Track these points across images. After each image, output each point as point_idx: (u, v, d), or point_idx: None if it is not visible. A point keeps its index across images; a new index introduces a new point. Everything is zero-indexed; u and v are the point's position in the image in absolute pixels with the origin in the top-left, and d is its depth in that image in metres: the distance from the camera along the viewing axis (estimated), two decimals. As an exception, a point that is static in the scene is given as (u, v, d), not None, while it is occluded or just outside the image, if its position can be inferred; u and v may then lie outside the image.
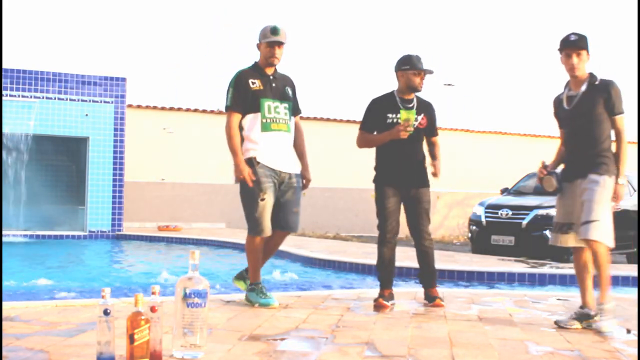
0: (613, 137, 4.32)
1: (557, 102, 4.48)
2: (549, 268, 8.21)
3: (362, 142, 5.19)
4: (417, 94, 5.11)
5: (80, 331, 3.69)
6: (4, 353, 3.13)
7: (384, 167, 5.08)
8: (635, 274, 7.65)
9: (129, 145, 14.51)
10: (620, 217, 11.36)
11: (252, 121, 4.73)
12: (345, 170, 17.52)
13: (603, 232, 4.14)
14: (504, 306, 5.09)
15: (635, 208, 11.66)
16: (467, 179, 19.16)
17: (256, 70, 4.85)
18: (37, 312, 4.25)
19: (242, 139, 4.77)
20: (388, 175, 5.05)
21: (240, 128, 4.77)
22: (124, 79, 14.19)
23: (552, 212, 10.30)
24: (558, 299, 5.57)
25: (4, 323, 3.82)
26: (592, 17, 35.57)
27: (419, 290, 5.68)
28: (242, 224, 18.50)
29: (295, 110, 4.98)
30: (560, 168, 4.52)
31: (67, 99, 13.64)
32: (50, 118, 13.53)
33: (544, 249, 9.71)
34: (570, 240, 4.36)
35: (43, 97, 13.47)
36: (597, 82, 4.26)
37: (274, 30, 4.74)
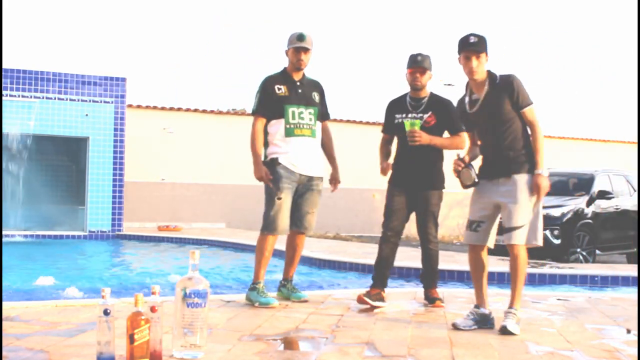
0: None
1: (461, 105, 4.38)
2: (549, 268, 8.21)
3: (379, 149, 5.25)
4: (433, 91, 5.11)
5: (80, 331, 3.69)
6: (4, 353, 3.13)
7: (396, 168, 5.10)
8: (635, 274, 7.65)
9: (129, 145, 14.50)
10: (620, 217, 11.46)
11: (276, 126, 4.90)
12: (346, 171, 17.45)
13: (529, 235, 4.10)
14: (504, 306, 5.08)
15: (635, 208, 11.66)
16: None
17: (284, 75, 5.00)
18: (37, 312, 4.26)
19: (268, 143, 4.96)
20: (398, 177, 5.08)
21: (266, 132, 4.94)
22: (124, 79, 14.19)
23: (552, 212, 10.35)
24: (558, 299, 5.57)
25: (4, 323, 3.82)
26: (591, 17, 35.59)
27: (419, 290, 5.68)
28: (242, 224, 18.54)
29: (323, 115, 5.09)
30: (475, 164, 4.38)
31: (67, 99, 13.64)
32: (50, 118, 13.53)
33: (544, 249, 9.68)
34: (481, 238, 4.36)
35: (43, 97, 13.47)
36: (497, 81, 4.13)
37: (300, 37, 4.90)
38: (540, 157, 4.08)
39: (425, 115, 4.98)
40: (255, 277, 4.88)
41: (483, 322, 4.19)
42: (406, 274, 7.63)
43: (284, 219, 4.88)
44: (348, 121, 18.03)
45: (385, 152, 5.21)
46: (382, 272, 5.05)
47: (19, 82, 13.33)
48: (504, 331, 3.94)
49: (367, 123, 18.24)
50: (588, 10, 35.92)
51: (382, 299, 4.89)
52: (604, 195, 11.13)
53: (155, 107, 16.60)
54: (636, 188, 12.23)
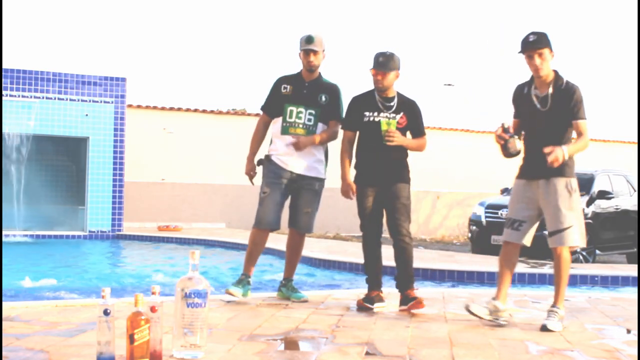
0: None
1: (521, 91, 4.45)
2: (549, 268, 8.20)
3: (341, 154, 5.04)
4: (399, 91, 4.95)
5: (80, 331, 3.69)
6: (4, 353, 3.12)
7: (364, 166, 4.95)
8: (635, 274, 7.65)
9: (129, 145, 14.50)
10: (620, 217, 11.46)
11: (276, 124, 5.08)
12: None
13: (576, 237, 4.23)
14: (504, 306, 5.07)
15: (635, 208, 11.66)
16: (467, 179, 19.16)
17: (295, 76, 5.13)
18: (37, 312, 4.25)
19: (272, 140, 5.17)
20: (366, 175, 4.93)
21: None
22: (124, 79, 14.19)
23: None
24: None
25: (4, 323, 3.82)
26: (591, 17, 35.59)
27: (418, 290, 5.67)
28: (242, 224, 18.55)
29: (328, 116, 5.07)
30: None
31: (67, 99, 13.64)
32: (50, 118, 13.53)
33: (544, 249, 9.68)
34: (517, 237, 4.49)
35: (43, 97, 13.47)
36: (562, 86, 4.26)
37: (309, 39, 4.98)
38: (573, 148, 4.19)
39: (398, 116, 4.86)
40: (244, 267, 5.07)
41: (495, 313, 4.29)
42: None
43: (268, 213, 4.99)
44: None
45: (350, 156, 5.02)
46: (374, 274, 4.93)
47: (19, 82, 13.33)
48: (544, 329, 4.06)
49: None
50: (588, 10, 35.93)
51: (381, 300, 4.85)
52: (604, 195, 11.13)
53: (155, 107, 16.60)
54: (636, 188, 12.23)
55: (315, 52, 4.99)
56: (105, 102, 13.94)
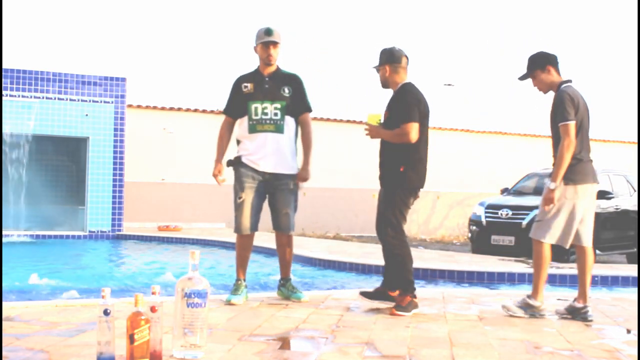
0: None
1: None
2: (549, 268, 8.20)
3: None
4: (407, 85, 4.85)
5: (80, 331, 3.69)
6: (4, 353, 3.12)
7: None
8: (635, 274, 7.65)
9: (129, 145, 14.51)
10: (620, 217, 11.45)
11: (242, 124, 4.97)
12: (345, 170, 17.53)
13: (539, 232, 4.67)
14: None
15: (635, 208, 11.66)
16: (467, 179, 19.16)
17: (253, 73, 5.02)
18: (37, 312, 4.25)
19: (238, 142, 5.06)
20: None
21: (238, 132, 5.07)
22: (124, 79, 14.19)
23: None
24: (558, 299, 5.57)
25: (4, 323, 3.82)
26: (591, 17, 35.60)
27: (418, 290, 5.67)
28: (242, 224, 17.97)
29: (298, 109, 5.01)
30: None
31: (67, 99, 13.64)
32: (50, 118, 13.53)
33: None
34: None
35: (43, 97, 13.47)
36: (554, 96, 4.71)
37: (268, 31, 4.90)
38: (556, 170, 4.53)
39: (385, 111, 4.88)
40: (236, 274, 5.06)
41: (530, 310, 4.63)
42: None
43: (246, 218, 4.95)
44: (348, 121, 18.03)
45: None
46: (385, 275, 4.91)
47: (19, 82, 13.33)
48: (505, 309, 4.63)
49: (367, 123, 18.23)
50: (588, 10, 35.93)
51: (416, 305, 4.66)
52: (604, 195, 11.13)
53: (155, 107, 16.60)
54: (636, 188, 12.23)
55: (275, 44, 4.91)
56: (105, 102, 13.94)
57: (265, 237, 12.84)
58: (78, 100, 13.73)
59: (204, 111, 17.01)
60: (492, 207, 11.17)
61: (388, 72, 4.85)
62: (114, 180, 13.95)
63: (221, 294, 5.49)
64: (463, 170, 19.01)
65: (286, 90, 4.96)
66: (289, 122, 4.96)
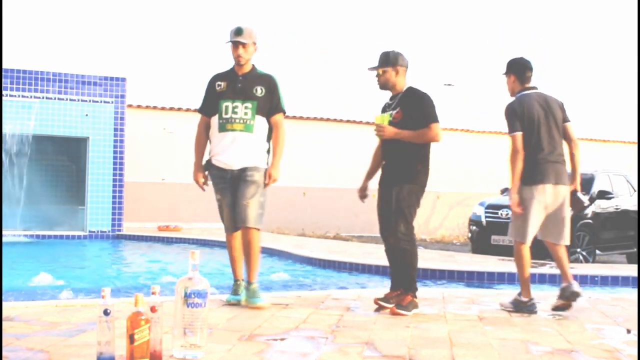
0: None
1: None
2: (549, 268, 8.20)
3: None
4: (411, 87, 4.92)
5: (80, 331, 3.69)
6: (4, 353, 3.12)
7: (381, 168, 5.08)
8: (635, 274, 7.65)
9: (129, 145, 14.50)
10: (620, 217, 11.45)
11: (214, 123, 4.92)
12: (345, 170, 17.53)
13: (511, 231, 5.15)
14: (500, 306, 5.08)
15: (635, 208, 11.66)
16: (467, 179, 19.16)
17: (228, 72, 4.97)
18: (37, 312, 4.25)
19: (210, 141, 5.03)
20: (381, 176, 5.03)
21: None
22: (124, 79, 14.19)
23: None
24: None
25: (4, 323, 3.82)
26: (591, 17, 35.61)
27: (418, 290, 5.67)
28: (242, 224, 17.96)
29: (270, 110, 4.88)
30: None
31: (67, 99, 13.64)
32: (50, 118, 13.53)
33: (543, 249, 9.69)
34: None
35: (43, 97, 13.47)
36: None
37: (237, 31, 4.83)
38: (510, 178, 4.92)
39: (394, 112, 4.87)
40: (233, 275, 5.04)
41: (520, 307, 4.87)
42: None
43: (227, 217, 4.92)
44: (349, 121, 18.03)
45: (378, 160, 5.13)
46: (393, 275, 4.87)
47: (19, 82, 13.33)
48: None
49: (368, 123, 18.23)
50: (588, 10, 35.92)
51: (416, 305, 4.67)
52: (604, 195, 11.13)
53: (155, 107, 16.60)
54: (636, 188, 12.23)
55: (244, 45, 4.81)
56: (105, 102, 13.94)
57: (266, 238, 12.84)
58: (78, 100, 13.72)
59: (204, 111, 17.01)
60: (492, 207, 11.17)
61: (397, 74, 4.91)
62: (114, 180, 13.95)
63: (221, 294, 5.49)
64: (463, 170, 19.01)
65: (259, 90, 4.85)
66: (260, 122, 4.85)
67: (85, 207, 13.86)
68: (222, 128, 4.83)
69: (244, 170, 4.80)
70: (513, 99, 5.08)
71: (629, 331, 4.14)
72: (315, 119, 17.81)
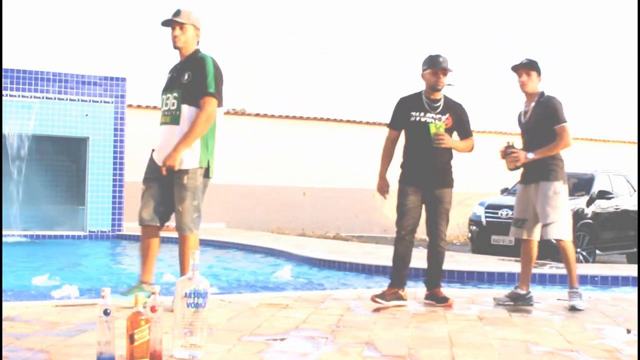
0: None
1: (518, 116, 5.36)
2: (549, 268, 8.21)
3: (383, 151, 5.26)
4: (445, 94, 5.18)
5: (80, 331, 3.69)
6: (4, 353, 3.12)
7: (409, 166, 5.13)
8: (635, 274, 7.65)
9: (129, 145, 14.50)
10: (620, 217, 11.46)
11: None
12: (345, 170, 17.53)
13: (557, 231, 4.98)
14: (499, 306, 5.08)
15: (635, 208, 11.66)
16: (467, 179, 19.15)
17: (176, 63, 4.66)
18: (37, 312, 4.25)
19: None
20: (412, 175, 5.10)
21: None
22: (124, 79, 14.19)
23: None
24: (558, 299, 5.57)
25: (4, 323, 3.82)
26: (591, 17, 35.61)
27: (418, 290, 5.68)
28: (242, 224, 18.54)
29: (196, 95, 4.39)
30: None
31: (67, 99, 13.63)
32: (50, 118, 13.52)
33: (544, 249, 9.70)
34: (524, 233, 5.20)
35: (43, 97, 13.46)
36: (542, 99, 5.11)
37: (175, 12, 4.52)
38: (543, 151, 5.02)
39: (444, 117, 5.06)
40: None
41: (518, 300, 5.12)
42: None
43: (144, 209, 4.77)
44: (349, 121, 18.02)
45: (390, 155, 5.20)
46: (399, 271, 5.07)
47: (19, 82, 13.32)
48: (573, 309, 4.86)
49: (368, 123, 18.24)
50: (588, 10, 35.92)
51: (400, 298, 4.99)
52: (604, 195, 11.13)
53: (155, 107, 16.58)
54: (636, 188, 12.23)
55: (181, 26, 4.45)
56: (105, 102, 13.93)
57: (266, 238, 12.84)
58: (78, 100, 13.72)
59: (204, 111, 17.01)
60: (492, 207, 11.17)
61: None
62: (114, 180, 13.95)
63: (221, 294, 5.50)
64: (463, 170, 19.00)
65: (186, 76, 4.43)
66: (186, 111, 4.41)
67: (85, 207, 13.85)
68: (159, 122, 4.62)
69: (173, 173, 4.48)
70: (538, 94, 5.13)
71: (629, 331, 4.14)
72: (315, 119, 17.80)
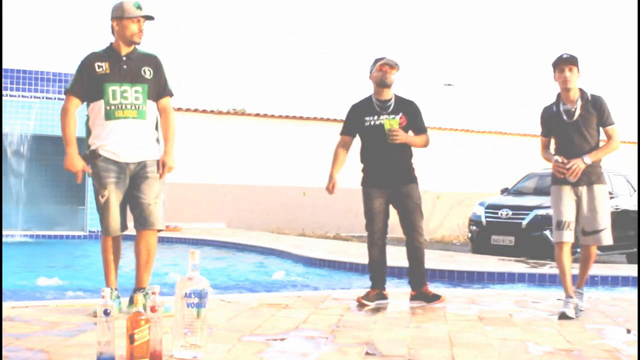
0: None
1: (549, 112, 4.97)
2: (549, 268, 8.21)
3: (334, 154, 5.30)
4: (397, 93, 5.13)
5: (80, 331, 3.69)
6: (4, 353, 3.13)
7: (370, 168, 5.14)
8: (635, 274, 7.65)
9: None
10: (620, 217, 11.45)
11: (96, 109, 4.35)
12: (345, 170, 17.50)
13: (608, 237, 4.83)
14: (504, 306, 5.08)
15: (635, 208, 11.65)
16: (467, 179, 19.15)
17: (108, 51, 4.40)
18: (37, 312, 4.25)
19: (89, 131, 4.48)
20: (374, 177, 5.10)
21: (87, 118, 4.47)
22: (123, 79, 14.18)
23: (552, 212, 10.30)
24: (558, 299, 5.56)
25: (4, 323, 3.82)
26: (591, 17, 35.62)
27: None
28: (242, 224, 18.53)
29: (159, 93, 4.45)
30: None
31: (67, 99, 13.63)
32: (50, 118, 13.51)
33: (544, 249, 9.71)
34: (572, 236, 4.85)
35: (43, 97, 13.46)
36: (589, 98, 4.82)
37: (139, 6, 4.32)
38: (598, 153, 4.77)
39: (397, 116, 5.02)
40: (106, 283, 4.43)
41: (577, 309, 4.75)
42: (406, 274, 7.61)
43: (113, 217, 4.30)
44: (348, 121, 18.03)
45: (341, 159, 5.25)
46: (379, 274, 5.10)
47: (19, 82, 13.32)
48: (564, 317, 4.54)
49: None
50: (588, 10, 35.93)
51: (383, 297, 5.02)
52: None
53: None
54: (636, 188, 12.23)
55: (149, 19, 4.36)
56: (105, 102, 13.93)
57: (266, 238, 12.84)
58: (78, 100, 13.71)
59: (203, 111, 17.01)
60: (492, 207, 11.17)
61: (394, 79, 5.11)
62: (114, 180, 13.94)
63: (221, 294, 5.50)
64: (463, 170, 19.01)
65: (147, 71, 4.37)
66: (151, 107, 4.39)
67: (85, 207, 13.84)
68: (111, 115, 4.27)
69: (143, 166, 4.33)
70: (580, 92, 4.82)
71: (629, 331, 4.14)
72: (315, 119, 17.80)
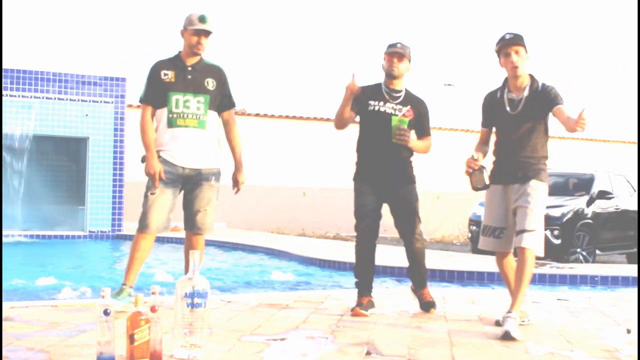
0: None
1: (492, 99, 4.34)
2: (549, 268, 8.21)
3: (335, 119, 4.76)
4: (409, 89, 4.80)
5: (80, 331, 3.69)
6: (4, 353, 3.12)
7: (365, 162, 4.78)
8: (635, 274, 7.65)
9: (129, 145, 14.50)
10: (620, 217, 11.47)
11: (161, 116, 4.53)
12: (345, 170, 17.50)
13: (535, 242, 4.04)
14: (504, 306, 5.07)
15: (635, 208, 11.66)
16: (467, 179, 19.15)
17: (175, 60, 4.56)
18: (37, 312, 4.25)
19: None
20: (368, 172, 4.75)
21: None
22: (124, 79, 14.18)
23: (552, 212, 10.33)
24: (558, 299, 5.57)
25: (4, 323, 3.82)
26: (591, 17, 35.62)
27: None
28: (242, 224, 18.55)
29: (223, 105, 4.64)
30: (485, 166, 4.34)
31: (67, 99, 13.63)
32: (50, 118, 13.52)
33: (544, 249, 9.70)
34: (502, 245, 4.29)
35: (43, 97, 13.46)
36: (539, 88, 4.15)
37: (202, 19, 4.47)
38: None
39: (404, 109, 4.66)
40: (124, 278, 4.57)
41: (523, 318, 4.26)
42: (406, 274, 7.61)
43: (156, 216, 4.51)
44: (348, 121, 18.02)
45: (347, 115, 4.67)
46: (366, 278, 4.71)
47: (19, 82, 13.32)
48: (507, 336, 3.76)
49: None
50: (588, 10, 35.93)
51: (373, 305, 4.62)
52: (604, 195, 11.13)
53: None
54: (636, 188, 12.23)
55: (207, 34, 4.49)
56: (105, 102, 13.93)
57: (266, 238, 12.84)
58: (78, 100, 13.72)
59: (204, 111, 17.02)
60: (492, 207, 11.15)
61: (408, 69, 4.76)
62: (114, 180, 13.95)
63: (221, 294, 5.50)
64: (463, 171, 19.00)
65: (210, 82, 4.54)
66: (212, 117, 4.57)
67: (85, 207, 13.85)
68: (172, 123, 4.47)
69: (199, 173, 4.54)
70: (530, 79, 4.19)
71: (629, 331, 4.14)
72: (315, 119, 17.80)
